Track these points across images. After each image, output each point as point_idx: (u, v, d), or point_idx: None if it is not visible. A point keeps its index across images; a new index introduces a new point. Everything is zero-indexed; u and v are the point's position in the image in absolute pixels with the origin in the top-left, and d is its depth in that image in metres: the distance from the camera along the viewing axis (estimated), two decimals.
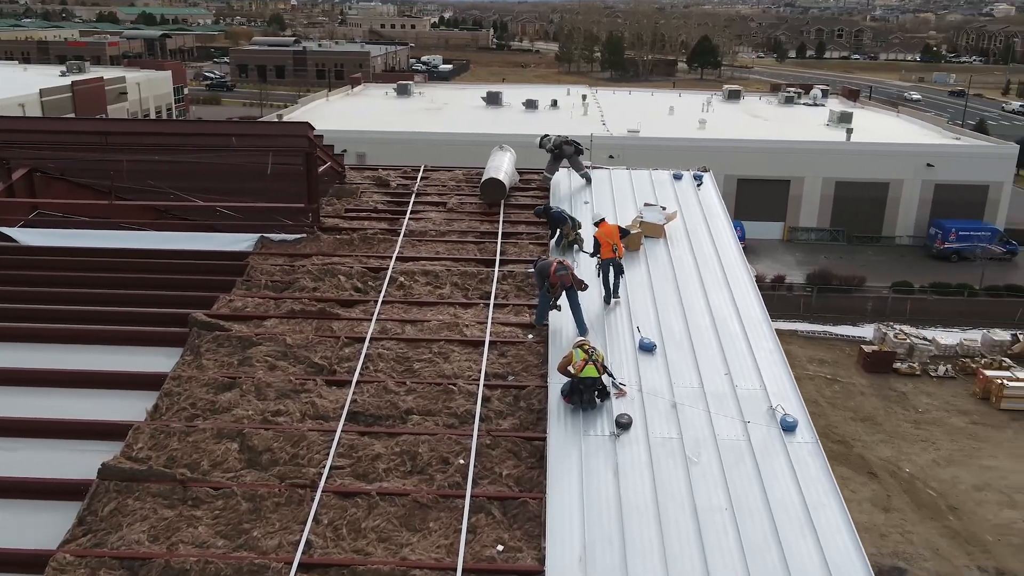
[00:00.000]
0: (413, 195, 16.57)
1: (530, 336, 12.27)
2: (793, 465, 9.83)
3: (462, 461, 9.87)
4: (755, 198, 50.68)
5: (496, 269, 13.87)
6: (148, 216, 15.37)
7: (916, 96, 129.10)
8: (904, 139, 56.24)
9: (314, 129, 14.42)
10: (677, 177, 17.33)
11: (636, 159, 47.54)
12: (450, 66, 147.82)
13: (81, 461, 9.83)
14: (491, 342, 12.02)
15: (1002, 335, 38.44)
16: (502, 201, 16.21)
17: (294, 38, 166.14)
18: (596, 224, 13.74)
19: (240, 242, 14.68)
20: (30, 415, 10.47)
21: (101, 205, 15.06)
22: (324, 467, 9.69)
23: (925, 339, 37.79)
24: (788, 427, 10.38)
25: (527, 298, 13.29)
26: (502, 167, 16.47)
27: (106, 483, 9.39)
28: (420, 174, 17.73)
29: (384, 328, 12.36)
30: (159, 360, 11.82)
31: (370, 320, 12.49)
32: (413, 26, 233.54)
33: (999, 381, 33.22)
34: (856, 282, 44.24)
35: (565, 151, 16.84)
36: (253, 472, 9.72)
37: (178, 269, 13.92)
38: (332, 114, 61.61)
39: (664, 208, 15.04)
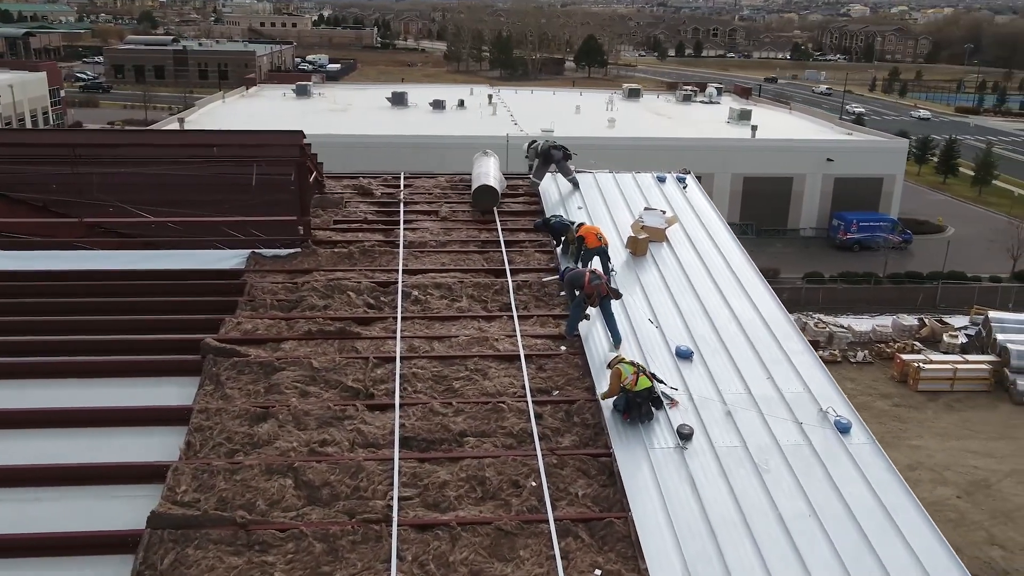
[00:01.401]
0: (401, 204, 15.97)
1: (562, 348, 12.01)
2: (860, 467, 9.95)
3: (534, 483, 9.54)
4: None
5: (509, 279, 13.52)
6: (117, 234, 14.22)
7: (825, 87, 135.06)
8: (804, 135, 58.79)
9: (305, 136, 13.66)
10: (660, 179, 17.38)
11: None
12: (338, 65, 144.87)
13: (122, 509, 9.01)
14: (526, 356, 11.69)
15: (910, 320, 40.63)
16: (494, 208, 15.84)
17: (172, 37, 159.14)
18: (576, 229, 13.69)
19: (229, 259, 13.79)
20: (51, 461, 9.49)
21: (69, 224, 13.83)
22: (391, 499, 9.17)
23: (842, 327, 39.53)
24: (843, 428, 10.51)
25: (547, 308, 13.01)
26: (491, 173, 16.08)
27: (159, 532, 8.59)
28: (403, 182, 17.12)
29: (412, 346, 11.83)
30: (174, 391, 10.96)
31: (394, 338, 11.94)
32: (294, 24, 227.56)
33: (915, 364, 35.10)
34: (771, 274, 45.82)
35: (554, 156, 16.64)
36: (317, 509, 9.10)
37: (171, 291, 12.93)
38: (233, 117, 59.27)
39: (664, 212, 15.03)
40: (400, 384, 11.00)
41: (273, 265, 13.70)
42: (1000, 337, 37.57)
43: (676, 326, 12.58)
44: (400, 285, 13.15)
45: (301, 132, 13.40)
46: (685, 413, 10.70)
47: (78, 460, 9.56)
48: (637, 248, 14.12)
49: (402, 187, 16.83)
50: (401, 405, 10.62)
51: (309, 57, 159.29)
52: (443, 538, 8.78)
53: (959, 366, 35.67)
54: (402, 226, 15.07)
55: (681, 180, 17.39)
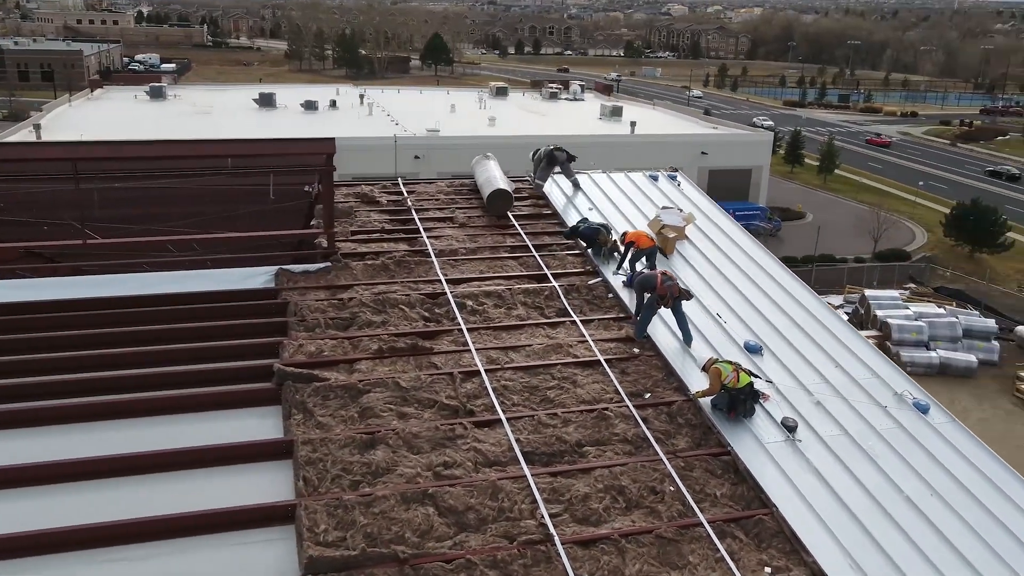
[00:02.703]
0: (412, 211, 15.41)
1: (635, 350, 12.03)
2: (953, 445, 10.58)
3: (671, 488, 9.53)
4: None
5: (555, 284, 13.38)
6: (126, 255, 12.99)
7: (698, 93, 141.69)
8: (675, 130, 61.27)
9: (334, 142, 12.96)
10: (653, 177, 17.69)
11: (445, 159, 47.57)
12: (172, 65, 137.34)
13: (260, 557, 8.34)
14: (606, 360, 11.64)
15: None
16: (508, 212, 15.61)
17: None
18: (621, 239, 13.82)
19: (256, 277, 12.89)
20: (153, 512, 8.54)
21: (71, 245, 12.49)
22: (541, 517, 8.92)
23: None
24: (923, 409, 11.13)
25: (602, 312, 12.99)
26: (500, 176, 15.83)
27: None
28: (404, 188, 16.51)
29: (490, 358, 11.51)
30: (256, 423, 10.18)
31: (468, 351, 11.57)
32: (115, 22, 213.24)
33: None
34: None
35: (558, 158, 16.58)
36: (471, 535, 8.71)
37: (206, 315, 11.93)
38: (86, 122, 54.94)
39: (681, 210, 15.33)
40: (497, 398, 10.69)
41: (308, 282, 12.91)
42: (880, 313, 40.78)
43: (732, 322, 12.87)
44: (451, 296, 12.74)
45: (332, 140, 12.66)
46: (777, 406, 10.99)
47: (184, 508, 8.67)
48: (667, 247, 14.32)
49: (405, 193, 16.24)
50: (508, 419, 10.33)
51: (138, 56, 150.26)
52: (610, 552, 8.63)
53: None
54: (424, 234, 14.56)
55: (672, 177, 17.77)
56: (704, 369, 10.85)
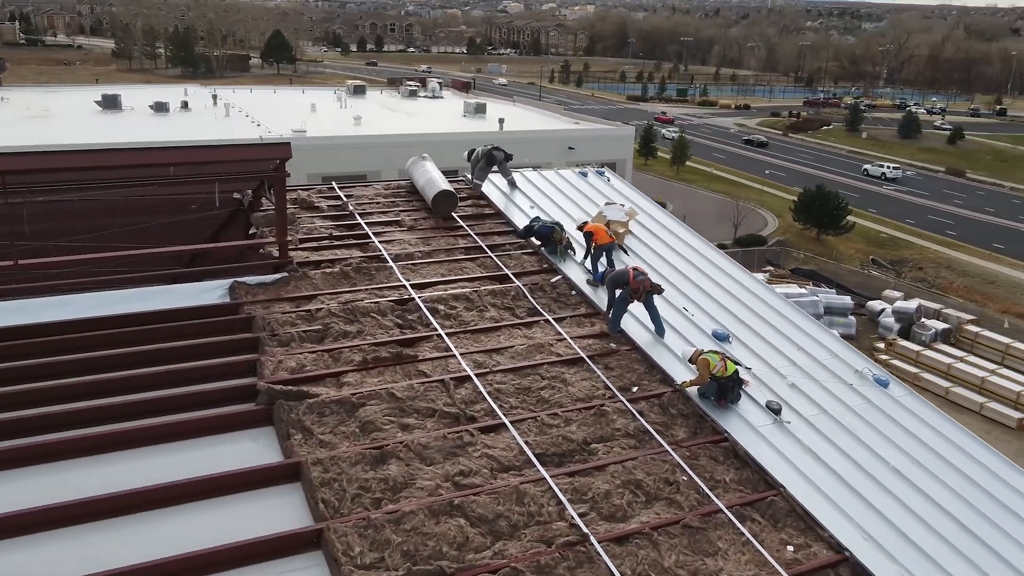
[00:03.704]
0: (356, 216, 14.91)
1: (612, 345, 12.21)
2: (918, 415, 11.41)
3: (684, 478, 9.77)
4: None
5: (519, 284, 13.36)
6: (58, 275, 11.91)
7: (503, 80, 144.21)
8: (541, 126, 62.07)
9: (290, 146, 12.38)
10: (583, 174, 17.93)
11: (316, 160, 46.22)
12: None
13: None
14: (589, 357, 11.76)
15: None
16: (453, 213, 15.41)
17: None
18: (580, 228, 14.11)
19: (211, 292, 12.14)
20: (178, 551, 7.92)
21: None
22: (571, 518, 8.94)
23: None
24: (883, 384, 11.92)
25: (571, 309, 13.08)
26: (442, 177, 15.59)
27: None
28: (341, 192, 15.92)
29: (476, 361, 11.37)
30: (253, 447, 9.64)
31: (453, 356, 11.39)
32: None
33: None
34: None
35: (496, 157, 16.50)
36: (508, 543, 8.61)
37: (171, 334, 11.12)
38: None
39: (623, 205, 15.62)
40: (494, 403, 10.58)
41: (267, 294, 12.28)
42: None
43: (693, 311, 13.28)
44: (420, 302, 12.47)
45: (287, 144, 12.10)
46: (756, 391, 11.45)
47: (201, 545, 8.08)
48: (617, 241, 14.57)
49: (344, 198, 15.69)
50: (512, 423, 10.25)
51: None
52: (645, 546, 8.74)
53: None
54: (375, 239, 14.15)
55: (601, 174, 18.08)
56: (691, 361, 11.15)
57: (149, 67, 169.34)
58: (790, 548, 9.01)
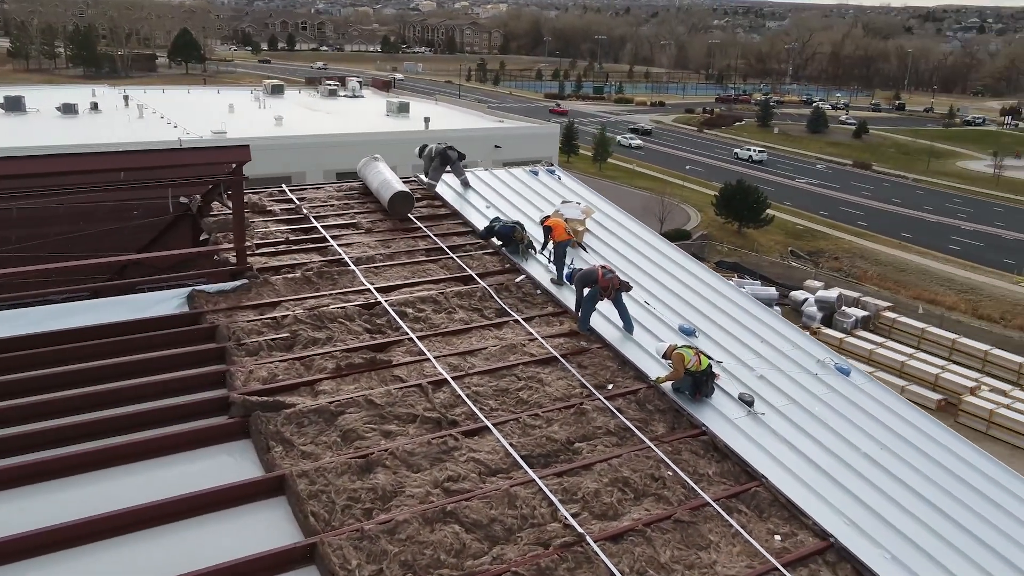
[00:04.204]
0: (312, 220, 14.53)
1: (583, 343, 12.23)
2: (880, 401, 11.80)
3: (669, 473, 9.86)
4: None
5: (484, 285, 13.26)
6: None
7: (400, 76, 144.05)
8: (466, 125, 61.81)
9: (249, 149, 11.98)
10: (534, 173, 17.91)
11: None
12: None
13: None
14: (562, 355, 11.75)
15: None
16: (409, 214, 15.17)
17: None
18: (541, 222, 14.14)
19: (168, 301, 11.67)
20: (172, 574, 7.57)
21: None
22: (564, 519, 8.92)
23: None
24: (845, 372, 12.28)
25: (539, 308, 13.05)
26: (396, 178, 15.33)
27: None
28: (292, 195, 15.47)
29: (451, 364, 11.23)
30: (231, 461, 9.31)
31: (428, 359, 11.22)
32: None
33: None
34: None
35: (450, 157, 16.31)
36: (506, 547, 8.53)
37: (133, 346, 10.62)
38: None
39: (579, 204, 15.66)
40: (474, 406, 10.47)
41: (228, 302, 11.85)
42: None
43: (656, 307, 13.41)
44: (387, 306, 12.25)
45: (245, 146, 11.70)
46: (728, 383, 11.65)
47: (191, 566, 7.73)
48: (576, 239, 14.61)
49: (297, 201, 15.26)
50: (494, 425, 10.16)
51: None
52: (640, 543, 8.79)
53: None
54: (334, 243, 13.82)
55: (552, 172, 18.09)
56: (665, 356, 11.24)
57: (48, 67, 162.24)
58: (777, 537, 9.19)
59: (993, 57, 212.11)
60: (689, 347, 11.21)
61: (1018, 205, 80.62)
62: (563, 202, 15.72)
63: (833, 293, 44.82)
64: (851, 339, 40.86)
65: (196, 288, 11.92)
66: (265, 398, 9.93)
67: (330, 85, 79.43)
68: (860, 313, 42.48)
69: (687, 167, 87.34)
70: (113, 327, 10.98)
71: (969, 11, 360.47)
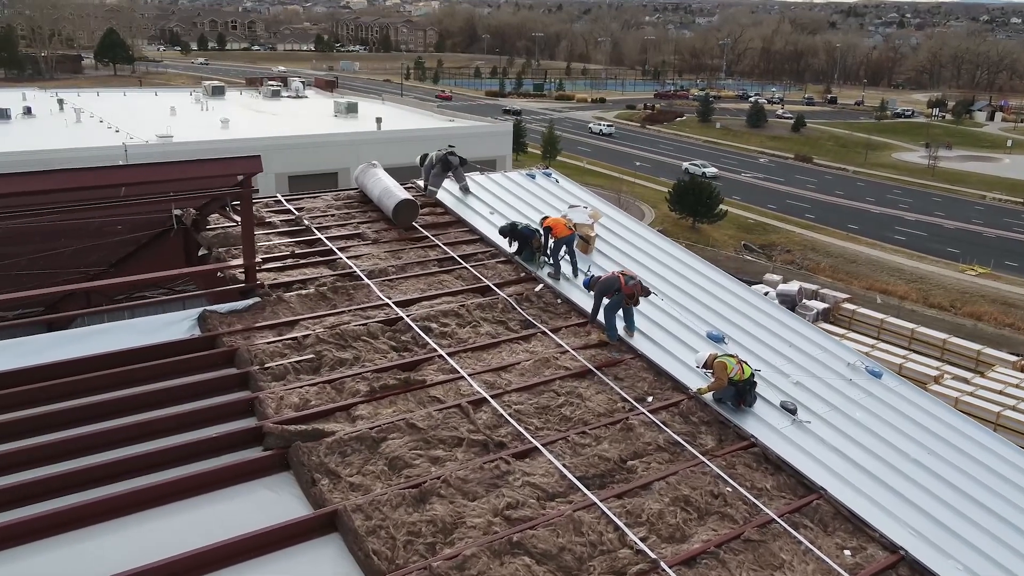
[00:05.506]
0: (315, 231, 13.81)
1: (614, 354, 11.85)
2: (916, 403, 11.67)
3: (729, 489, 9.54)
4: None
5: (504, 295, 12.77)
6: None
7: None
8: (417, 125, 60.87)
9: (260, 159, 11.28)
10: (531, 176, 17.45)
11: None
12: None
13: None
14: (597, 368, 11.35)
15: None
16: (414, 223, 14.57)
17: None
18: (541, 223, 13.79)
19: (178, 323, 10.91)
20: None
21: None
22: (633, 545, 8.52)
23: None
24: (877, 375, 12.14)
25: (563, 319, 12.61)
26: (397, 186, 14.71)
27: None
28: (290, 204, 14.71)
29: (487, 382, 10.74)
30: (272, 496, 8.69)
31: (463, 377, 10.71)
32: None
33: None
34: None
35: (452, 162, 15.75)
36: None
37: (149, 374, 9.87)
38: None
39: (586, 207, 15.25)
40: (519, 425, 10.00)
41: (243, 322, 11.14)
42: None
43: (682, 313, 13.10)
44: (410, 321, 11.67)
45: (257, 157, 11.00)
46: (768, 390, 11.38)
47: None
48: (588, 247, 14.22)
49: (296, 212, 14.52)
50: (543, 446, 9.70)
51: None
52: (714, 566, 8.45)
53: None
54: (343, 255, 13.16)
55: (548, 175, 17.66)
56: (706, 365, 10.93)
57: None
58: (847, 552, 8.94)
59: (915, 51, 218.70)
60: (730, 355, 10.91)
61: (955, 195, 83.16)
62: (570, 207, 15.30)
63: (794, 287, 45.36)
64: None
65: (207, 308, 11.17)
66: (302, 426, 9.30)
67: (272, 86, 77.55)
68: (821, 305, 43.04)
69: (636, 163, 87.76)
70: (124, 354, 10.19)
71: (887, 6, 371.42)
